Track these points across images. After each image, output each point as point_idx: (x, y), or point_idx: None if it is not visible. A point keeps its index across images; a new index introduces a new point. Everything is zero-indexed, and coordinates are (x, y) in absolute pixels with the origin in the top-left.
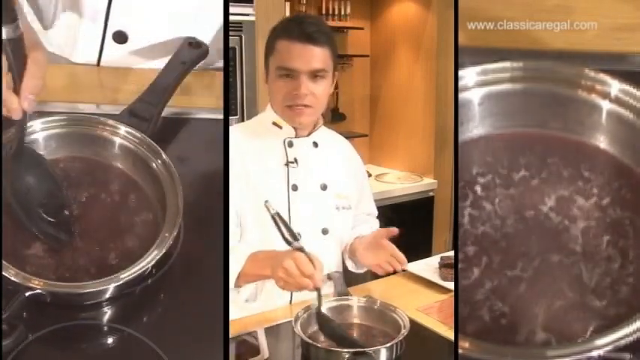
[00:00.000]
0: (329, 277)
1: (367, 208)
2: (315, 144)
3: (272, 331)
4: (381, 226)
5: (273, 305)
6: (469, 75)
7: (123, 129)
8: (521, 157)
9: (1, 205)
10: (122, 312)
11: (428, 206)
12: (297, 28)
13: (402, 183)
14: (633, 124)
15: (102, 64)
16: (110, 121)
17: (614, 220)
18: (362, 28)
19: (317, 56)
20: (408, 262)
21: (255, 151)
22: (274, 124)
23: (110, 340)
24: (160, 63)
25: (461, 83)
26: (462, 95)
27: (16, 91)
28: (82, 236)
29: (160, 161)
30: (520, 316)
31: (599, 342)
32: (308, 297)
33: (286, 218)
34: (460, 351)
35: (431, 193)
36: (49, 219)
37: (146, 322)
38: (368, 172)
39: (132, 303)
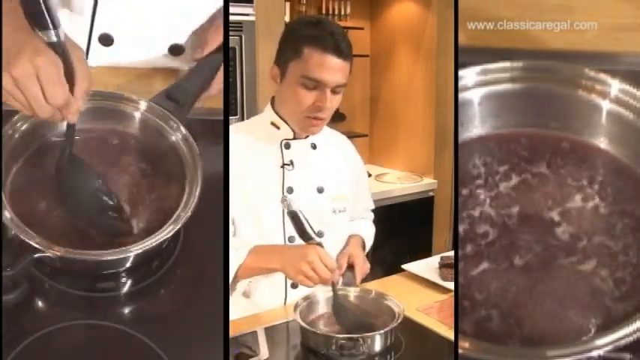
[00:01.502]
0: None
1: (365, 206)
2: (314, 145)
3: (269, 332)
4: (379, 226)
5: (269, 301)
6: (469, 75)
7: (143, 103)
8: (521, 157)
9: (1, 195)
10: (122, 311)
11: (428, 206)
12: (330, 40)
13: (402, 183)
14: (633, 124)
15: (89, 64)
16: (132, 97)
17: (614, 219)
18: (362, 28)
19: (344, 71)
20: (409, 261)
21: (251, 152)
22: (272, 124)
23: (109, 340)
24: (146, 66)
25: (461, 83)
26: (461, 95)
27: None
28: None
29: (179, 134)
30: (520, 316)
31: (599, 342)
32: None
33: (281, 221)
34: (460, 351)
35: (431, 193)
36: (114, 215)
37: (146, 323)
38: (368, 172)
39: (131, 303)
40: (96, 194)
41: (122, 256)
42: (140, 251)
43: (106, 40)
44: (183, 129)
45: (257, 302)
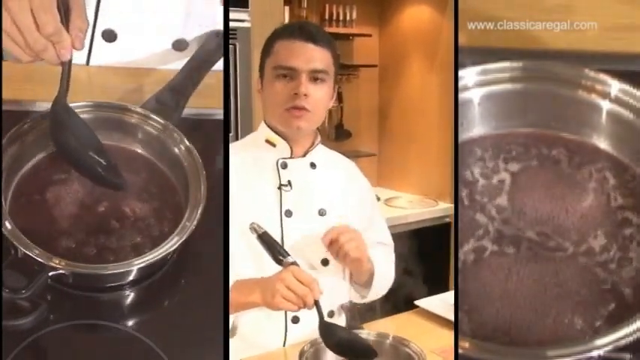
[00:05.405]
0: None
1: (378, 237)
2: (313, 165)
3: None
4: (395, 257)
5: (266, 339)
6: (469, 75)
7: (148, 115)
8: (520, 157)
9: (1, 186)
10: (122, 313)
11: (444, 234)
12: (297, 27)
13: (414, 208)
14: (633, 124)
15: (91, 63)
16: (136, 108)
17: (613, 219)
18: (369, 35)
19: (317, 56)
20: (423, 296)
21: (246, 172)
22: (267, 141)
23: (110, 340)
24: (149, 63)
25: (461, 83)
26: (461, 95)
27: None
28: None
29: (182, 147)
30: (524, 319)
31: (599, 342)
32: (301, 339)
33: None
34: (460, 351)
35: (447, 219)
36: (102, 162)
37: (147, 323)
38: (376, 195)
39: (131, 304)
40: (91, 144)
41: (125, 269)
42: (144, 265)
43: (110, 35)
44: (186, 141)
45: (254, 340)
